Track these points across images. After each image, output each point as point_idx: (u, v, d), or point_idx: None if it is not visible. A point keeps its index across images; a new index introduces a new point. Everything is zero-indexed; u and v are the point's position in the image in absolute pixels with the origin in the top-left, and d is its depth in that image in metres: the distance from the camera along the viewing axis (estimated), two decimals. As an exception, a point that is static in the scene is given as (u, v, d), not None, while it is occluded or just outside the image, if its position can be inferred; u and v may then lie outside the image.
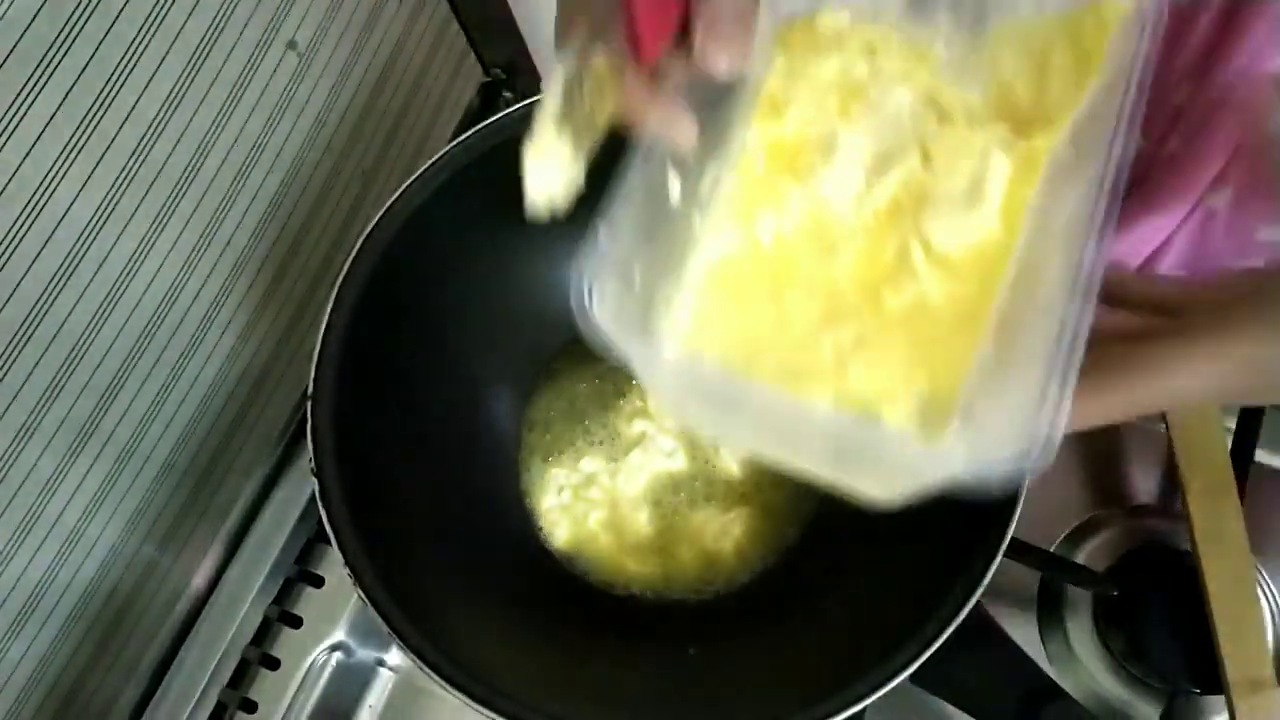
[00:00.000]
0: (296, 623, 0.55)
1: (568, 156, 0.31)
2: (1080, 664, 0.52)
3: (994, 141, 0.32)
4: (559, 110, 0.30)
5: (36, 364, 0.40)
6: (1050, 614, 0.53)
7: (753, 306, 0.30)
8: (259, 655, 0.55)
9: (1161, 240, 0.51)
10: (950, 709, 0.49)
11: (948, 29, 0.34)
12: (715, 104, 0.31)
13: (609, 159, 0.30)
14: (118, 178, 0.40)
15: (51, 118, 0.36)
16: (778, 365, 0.29)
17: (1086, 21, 0.33)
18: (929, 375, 0.29)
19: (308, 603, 0.56)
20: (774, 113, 0.33)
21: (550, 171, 0.32)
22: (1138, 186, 0.50)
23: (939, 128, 0.33)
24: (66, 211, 0.39)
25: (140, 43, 0.39)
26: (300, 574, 0.57)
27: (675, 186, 0.31)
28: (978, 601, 0.38)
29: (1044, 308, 0.28)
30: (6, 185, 0.35)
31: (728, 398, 0.29)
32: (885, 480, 0.29)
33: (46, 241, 0.38)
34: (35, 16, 0.34)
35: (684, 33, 0.28)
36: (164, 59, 0.41)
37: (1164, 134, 0.47)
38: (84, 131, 0.38)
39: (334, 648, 0.55)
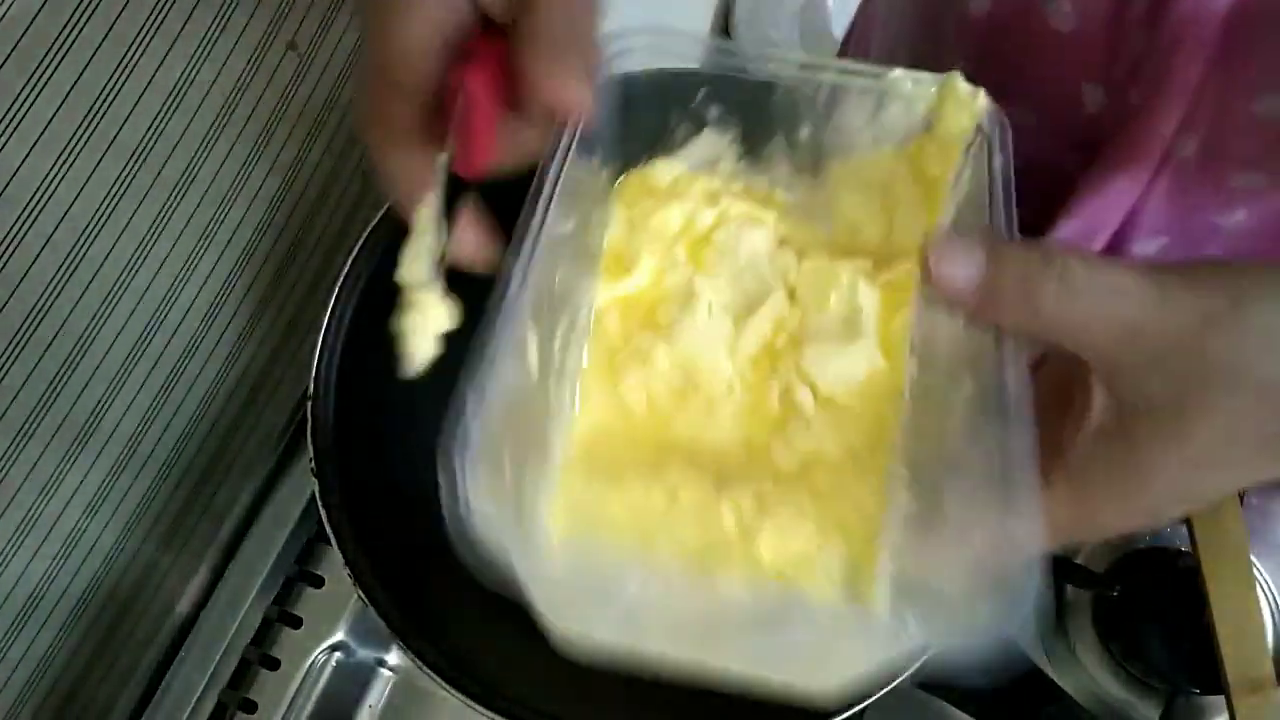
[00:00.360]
0: (296, 623, 0.55)
1: (442, 312, 0.30)
2: (1080, 664, 0.52)
3: (858, 273, 0.31)
4: (430, 272, 0.29)
5: (37, 364, 0.40)
6: (1050, 614, 0.54)
7: (635, 481, 0.27)
8: (259, 655, 0.55)
9: (1135, 200, 0.50)
10: (950, 709, 0.49)
11: (787, 174, 0.34)
12: (566, 259, 0.29)
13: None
14: (118, 178, 0.40)
15: (52, 118, 0.36)
16: (675, 544, 0.26)
17: (927, 149, 0.32)
18: (842, 534, 0.26)
19: (308, 603, 0.56)
20: (621, 268, 0.31)
21: (431, 327, 0.30)
22: (1104, 146, 0.49)
23: (800, 264, 0.32)
24: (66, 212, 0.39)
25: (140, 43, 0.39)
26: (300, 574, 0.57)
27: (533, 350, 0.28)
28: (978, 601, 0.38)
29: (966, 439, 0.25)
30: (7, 185, 0.35)
31: (625, 594, 0.24)
32: (822, 669, 0.26)
33: (46, 242, 0.38)
34: (35, 16, 0.34)
35: None
36: (164, 59, 0.41)
37: (1123, 85, 0.47)
38: (84, 132, 0.38)
39: (334, 648, 0.55)
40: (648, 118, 0.32)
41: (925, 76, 0.32)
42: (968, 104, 0.32)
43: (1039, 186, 0.55)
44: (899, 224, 0.33)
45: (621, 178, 0.33)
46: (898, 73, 0.32)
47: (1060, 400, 0.26)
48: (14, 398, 0.39)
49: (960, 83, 0.32)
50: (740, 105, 0.33)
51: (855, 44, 0.72)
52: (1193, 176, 0.48)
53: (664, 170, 0.33)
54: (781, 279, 0.31)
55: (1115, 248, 0.55)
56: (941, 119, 0.32)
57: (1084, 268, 0.24)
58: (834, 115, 0.32)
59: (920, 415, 0.28)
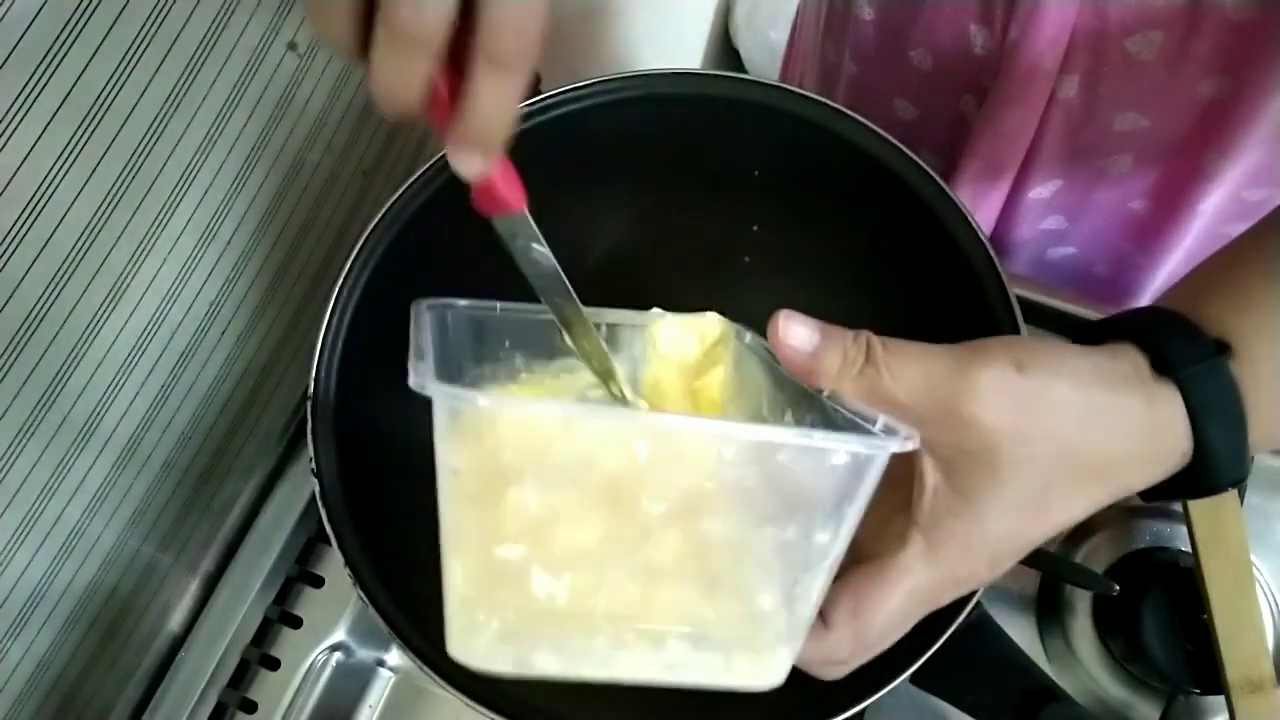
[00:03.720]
0: (296, 623, 0.55)
1: None
2: (1080, 664, 0.52)
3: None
4: None
5: (37, 364, 0.40)
6: (1050, 614, 0.53)
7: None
8: (259, 655, 0.55)
9: (1029, 142, 0.53)
10: (950, 709, 0.49)
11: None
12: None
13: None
14: (118, 178, 0.40)
15: (52, 118, 0.36)
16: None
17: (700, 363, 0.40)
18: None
19: (308, 603, 0.56)
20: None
21: None
22: (994, 82, 0.51)
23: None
24: (67, 212, 0.39)
25: (141, 43, 0.39)
26: (300, 574, 0.57)
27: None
28: (978, 601, 0.38)
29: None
30: (7, 186, 0.35)
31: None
32: (760, 661, 0.28)
33: (47, 242, 0.38)
34: (36, 17, 0.34)
35: None
36: (164, 59, 0.41)
37: (1004, 23, 0.49)
38: (85, 132, 0.38)
39: (334, 648, 0.55)
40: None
41: (677, 320, 0.40)
42: (716, 333, 0.40)
43: (942, 134, 0.58)
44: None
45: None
46: (654, 315, 0.40)
47: (898, 475, 0.28)
48: (14, 398, 0.39)
49: (709, 323, 0.40)
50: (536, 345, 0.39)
51: (789, 55, 0.77)
52: (1078, 118, 0.51)
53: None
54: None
55: (1016, 191, 0.57)
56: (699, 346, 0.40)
57: (883, 347, 0.28)
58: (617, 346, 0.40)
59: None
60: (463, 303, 0.36)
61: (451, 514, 0.26)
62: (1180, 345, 0.29)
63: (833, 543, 0.26)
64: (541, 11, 0.25)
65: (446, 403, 0.25)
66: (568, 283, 0.37)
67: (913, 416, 0.27)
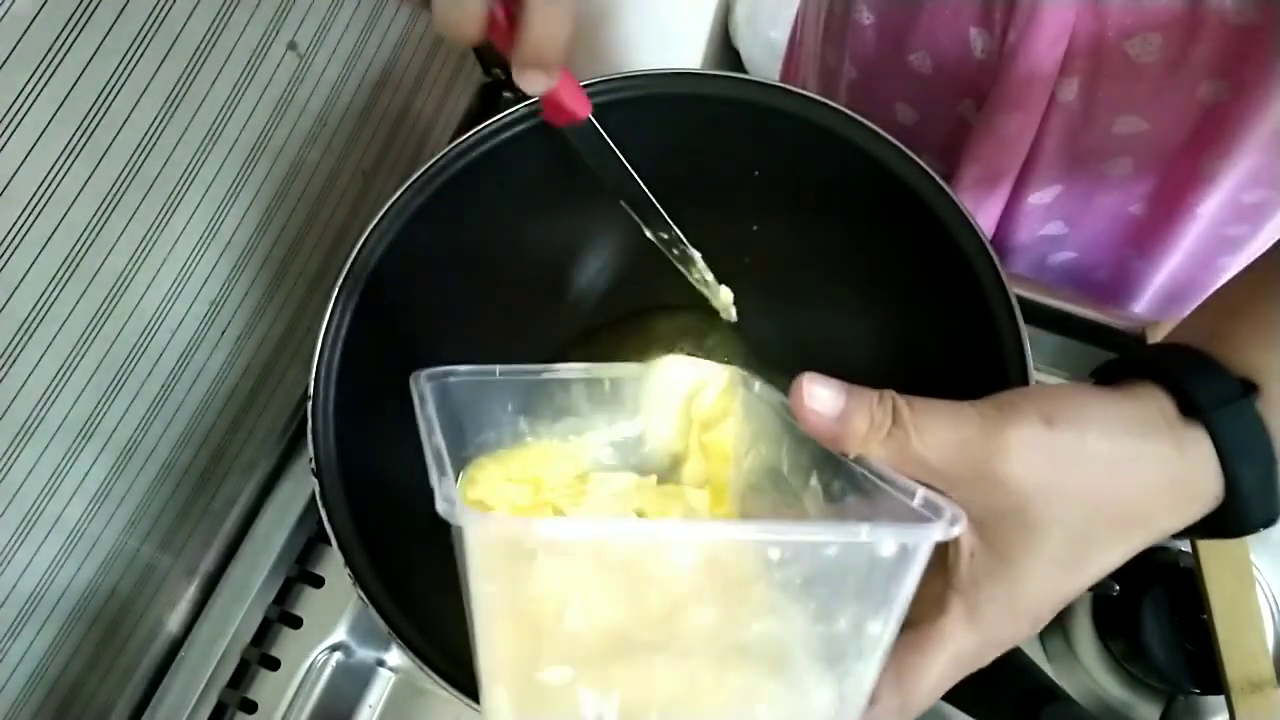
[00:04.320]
0: (296, 623, 0.55)
1: None
2: (1080, 664, 0.52)
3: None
4: None
5: (37, 364, 0.40)
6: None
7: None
8: (259, 655, 0.55)
9: (1029, 146, 0.53)
10: (950, 709, 0.49)
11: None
12: None
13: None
14: (119, 178, 0.40)
15: (52, 118, 0.36)
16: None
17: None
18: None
19: (308, 603, 0.56)
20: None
21: None
22: (994, 89, 0.51)
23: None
24: (67, 212, 0.39)
25: (141, 43, 0.39)
26: (300, 574, 0.57)
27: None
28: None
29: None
30: (8, 185, 0.35)
31: None
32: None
33: (47, 241, 0.38)
34: (36, 17, 0.34)
35: None
36: (164, 59, 0.41)
37: (1004, 26, 0.49)
38: (85, 132, 0.38)
39: (334, 648, 0.55)
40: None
41: (684, 361, 0.41)
42: (723, 381, 0.40)
43: (942, 138, 0.58)
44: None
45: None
46: (665, 361, 0.41)
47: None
48: (14, 397, 0.39)
49: (716, 370, 0.40)
50: (539, 406, 0.40)
51: (789, 60, 0.78)
52: (1078, 122, 0.52)
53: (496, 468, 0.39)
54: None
55: (1016, 196, 0.57)
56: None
57: (909, 408, 0.27)
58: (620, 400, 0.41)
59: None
60: (462, 369, 0.37)
61: (489, 637, 0.25)
62: (1206, 386, 0.28)
63: (884, 631, 0.26)
64: None
65: (479, 531, 0.24)
66: (638, 179, 0.40)
67: (943, 478, 0.27)
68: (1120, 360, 0.31)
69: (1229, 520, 0.28)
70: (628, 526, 0.24)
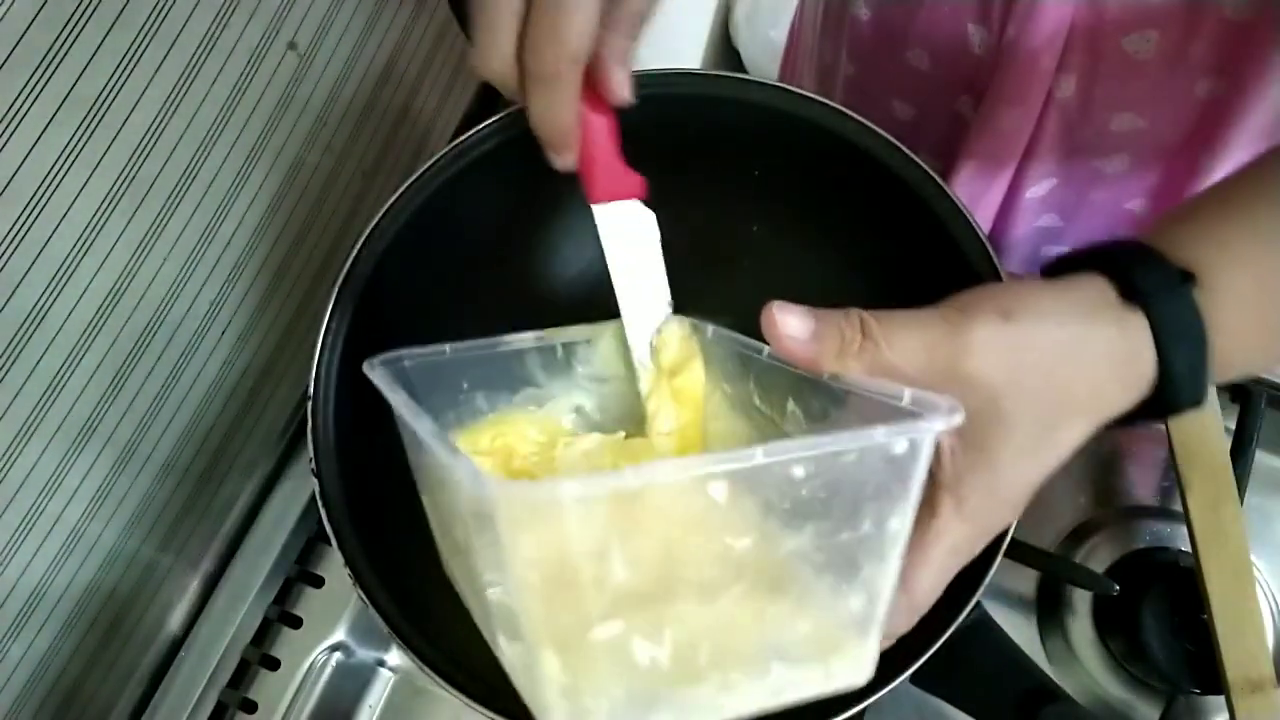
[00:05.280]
0: (296, 623, 0.55)
1: None
2: (1080, 664, 0.52)
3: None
4: None
5: (37, 364, 0.40)
6: (1050, 614, 0.53)
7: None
8: (259, 655, 0.55)
9: (1026, 141, 0.54)
10: (950, 709, 0.49)
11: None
12: None
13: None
14: (118, 178, 0.40)
15: (52, 118, 0.36)
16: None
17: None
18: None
19: (308, 603, 0.56)
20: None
21: None
22: (992, 84, 0.52)
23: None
24: (67, 212, 0.39)
25: (141, 43, 0.39)
26: (300, 574, 0.57)
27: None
28: (978, 601, 0.38)
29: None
30: (7, 185, 0.35)
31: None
32: (856, 658, 0.28)
33: (47, 241, 0.38)
34: (36, 17, 0.34)
35: None
36: (165, 59, 0.41)
37: (1002, 22, 0.49)
38: (85, 132, 0.38)
39: (334, 648, 0.55)
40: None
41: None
42: (678, 332, 0.41)
43: (939, 134, 0.59)
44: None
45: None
46: (605, 325, 0.41)
47: None
48: (15, 397, 0.39)
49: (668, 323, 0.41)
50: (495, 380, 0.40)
51: (787, 55, 0.78)
52: (1075, 118, 0.52)
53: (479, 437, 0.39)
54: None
55: (1013, 190, 0.58)
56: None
57: (876, 321, 0.29)
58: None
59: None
60: (413, 351, 0.37)
61: (534, 607, 0.25)
62: (1146, 274, 0.30)
63: (903, 525, 0.27)
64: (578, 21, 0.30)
65: (520, 500, 0.24)
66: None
67: (915, 383, 0.28)
68: (1067, 255, 0.32)
69: (1161, 400, 0.30)
70: (656, 469, 0.24)
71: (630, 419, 0.42)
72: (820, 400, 0.31)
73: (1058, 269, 0.32)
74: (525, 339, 0.41)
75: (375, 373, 0.34)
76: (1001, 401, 0.28)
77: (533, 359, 0.42)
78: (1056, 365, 0.29)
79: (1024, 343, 0.28)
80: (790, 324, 0.30)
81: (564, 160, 0.37)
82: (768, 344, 0.31)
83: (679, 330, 0.41)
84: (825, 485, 0.26)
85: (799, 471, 0.25)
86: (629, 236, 0.40)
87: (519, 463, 0.37)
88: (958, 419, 0.25)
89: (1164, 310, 0.29)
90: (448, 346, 0.37)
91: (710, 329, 0.38)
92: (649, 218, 0.40)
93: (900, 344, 0.28)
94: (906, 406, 0.27)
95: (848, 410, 0.30)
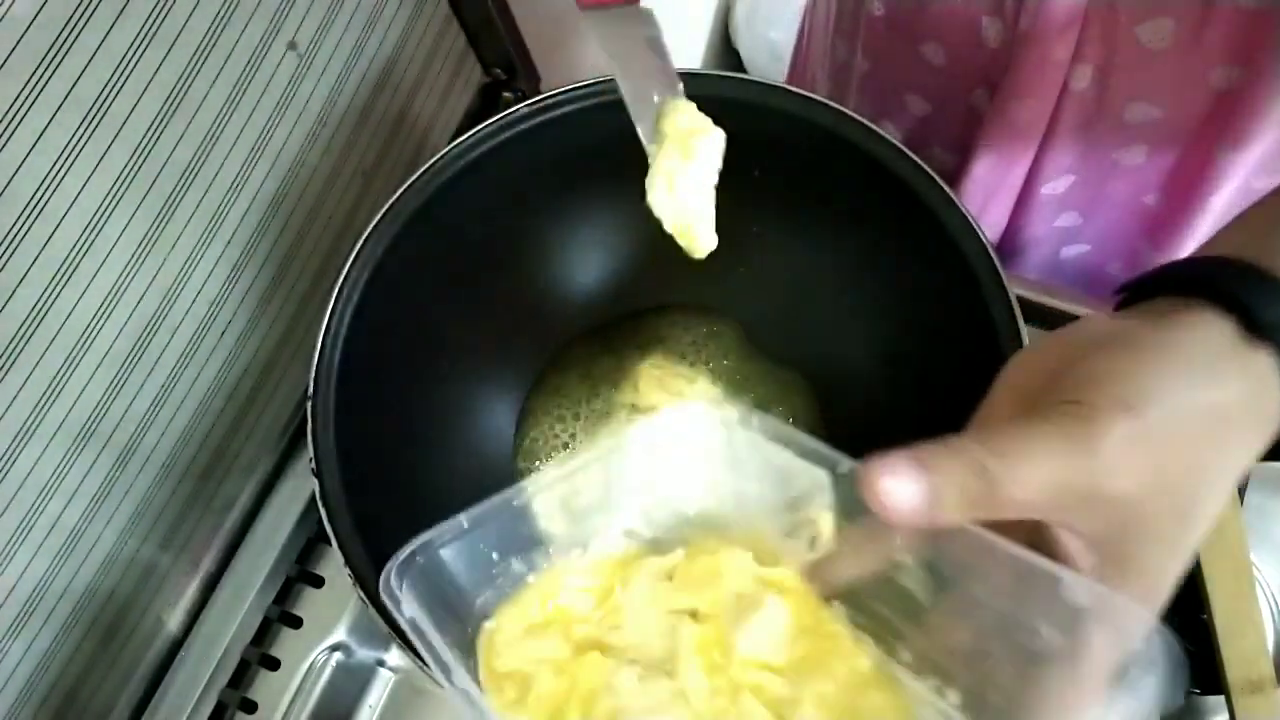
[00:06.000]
0: (296, 623, 0.55)
1: None
2: (1080, 664, 0.52)
3: (731, 557, 0.32)
4: None
5: (37, 364, 0.40)
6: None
7: None
8: (259, 655, 0.55)
9: (1041, 134, 0.53)
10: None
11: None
12: None
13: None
14: (118, 178, 0.40)
15: (52, 118, 0.36)
16: None
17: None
18: None
19: (308, 603, 0.56)
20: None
21: None
22: (1006, 76, 0.51)
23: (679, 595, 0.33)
24: (67, 212, 0.39)
25: (141, 43, 0.39)
26: (300, 574, 0.57)
27: None
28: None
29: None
30: (7, 185, 0.35)
31: None
32: None
33: (47, 241, 0.38)
34: (36, 17, 0.34)
35: None
36: (165, 59, 0.41)
37: (1015, 14, 0.49)
38: (85, 132, 0.38)
39: (334, 648, 0.55)
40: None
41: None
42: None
43: (954, 129, 0.58)
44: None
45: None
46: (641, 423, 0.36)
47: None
48: (14, 397, 0.39)
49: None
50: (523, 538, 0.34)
51: (798, 56, 0.77)
52: (1091, 109, 0.51)
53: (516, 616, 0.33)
54: (676, 617, 0.31)
55: (1028, 186, 0.57)
56: None
57: (995, 458, 0.25)
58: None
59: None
60: (427, 537, 0.31)
61: None
62: (1268, 304, 0.26)
63: None
64: None
65: None
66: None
67: (1041, 510, 0.26)
68: (1159, 275, 0.29)
69: None
70: None
71: (683, 520, 0.37)
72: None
73: (1142, 290, 0.29)
74: (541, 483, 0.35)
75: (389, 587, 0.29)
76: (1143, 510, 0.25)
77: (553, 503, 0.36)
78: (1197, 452, 0.26)
79: (1159, 441, 0.25)
80: (900, 491, 0.25)
81: None
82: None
83: (689, 106, 0.37)
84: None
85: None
86: (628, 39, 0.36)
87: (579, 630, 0.32)
88: (1153, 636, 0.23)
89: None
90: (463, 519, 0.32)
91: (758, 419, 0.33)
92: (648, 15, 0.36)
93: (1027, 478, 0.25)
94: (1074, 600, 0.24)
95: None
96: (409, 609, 0.28)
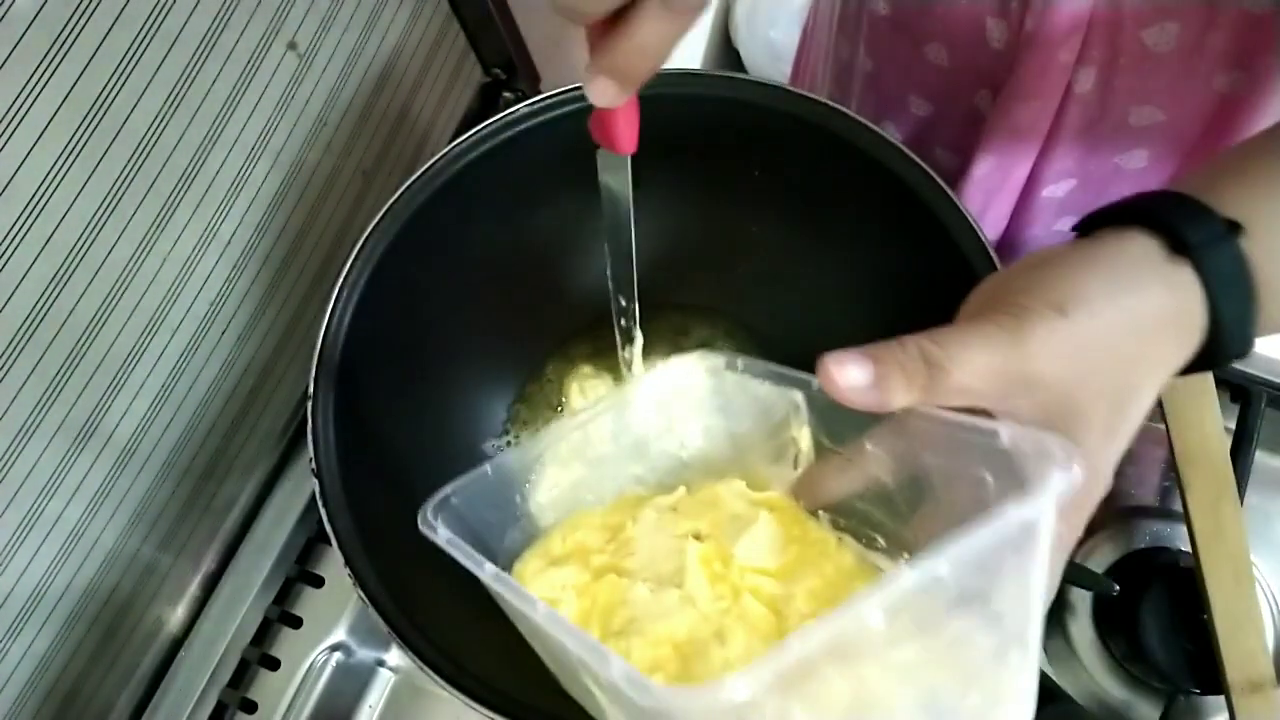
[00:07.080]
0: (296, 623, 0.55)
1: None
2: (1080, 664, 0.52)
3: (730, 485, 0.37)
4: None
5: (37, 364, 0.40)
6: (1050, 614, 0.53)
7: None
8: (259, 655, 0.55)
9: (1043, 137, 0.53)
10: (950, 709, 0.49)
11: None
12: None
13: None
14: (118, 178, 0.40)
15: (52, 118, 0.36)
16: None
17: None
18: None
19: (308, 603, 0.56)
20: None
21: None
22: (1009, 77, 0.51)
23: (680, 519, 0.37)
24: (67, 212, 0.39)
25: (141, 43, 0.39)
26: (300, 574, 0.57)
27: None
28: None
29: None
30: (7, 185, 0.35)
31: None
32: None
33: (47, 242, 0.38)
34: (36, 17, 0.34)
35: None
36: (165, 59, 0.41)
37: (1020, 15, 0.49)
38: (85, 132, 0.38)
39: (334, 648, 0.55)
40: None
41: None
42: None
43: (957, 130, 0.58)
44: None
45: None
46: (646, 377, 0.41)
47: None
48: (14, 397, 0.39)
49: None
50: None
51: (800, 56, 0.77)
52: (1094, 112, 0.52)
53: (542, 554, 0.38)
54: (681, 539, 0.35)
55: (1029, 189, 0.57)
56: None
57: (937, 346, 0.28)
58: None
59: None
60: (457, 484, 0.36)
61: None
62: (1195, 227, 0.29)
63: (1041, 574, 0.26)
64: None
65: (693, 708, 0.23)
66: (632, 234, 0.39)
67: (988, 398, 0.28)
68: (1102, 210, 0.32)
69: (1209, 353, 0.30)
70: (815, 632, 0.23)
71: (682, 464, 0.42)
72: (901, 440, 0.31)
73: (1092, 224, 0.32)
74: (563, 432, 0.40)
75: (429, 524, 0.33)
76: (1075, 395, 0.28)
77: (570, 449, 0.41)
78: (1119, 346, 0.29)
79: (1084, 334, 0.28)
80: (850, 375, 0.29)
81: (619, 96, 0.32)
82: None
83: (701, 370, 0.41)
84: (971, 568, 0.25)
85: (944, 570, 0.24)
86: (622, 184, 0.39)
87: (596, 560, 0.36)
88: (1078, 474, 0.25)
89: (1215, 263, 0.29)
90: (488, 466, 0.37)
91: (740, 361, 0.38)
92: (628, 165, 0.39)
93: (965, 363, 0.28)
94: (1004, 446, 0.26)
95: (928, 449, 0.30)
96: (445, 535, 0.32)
